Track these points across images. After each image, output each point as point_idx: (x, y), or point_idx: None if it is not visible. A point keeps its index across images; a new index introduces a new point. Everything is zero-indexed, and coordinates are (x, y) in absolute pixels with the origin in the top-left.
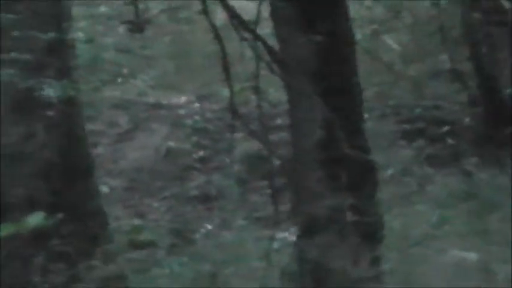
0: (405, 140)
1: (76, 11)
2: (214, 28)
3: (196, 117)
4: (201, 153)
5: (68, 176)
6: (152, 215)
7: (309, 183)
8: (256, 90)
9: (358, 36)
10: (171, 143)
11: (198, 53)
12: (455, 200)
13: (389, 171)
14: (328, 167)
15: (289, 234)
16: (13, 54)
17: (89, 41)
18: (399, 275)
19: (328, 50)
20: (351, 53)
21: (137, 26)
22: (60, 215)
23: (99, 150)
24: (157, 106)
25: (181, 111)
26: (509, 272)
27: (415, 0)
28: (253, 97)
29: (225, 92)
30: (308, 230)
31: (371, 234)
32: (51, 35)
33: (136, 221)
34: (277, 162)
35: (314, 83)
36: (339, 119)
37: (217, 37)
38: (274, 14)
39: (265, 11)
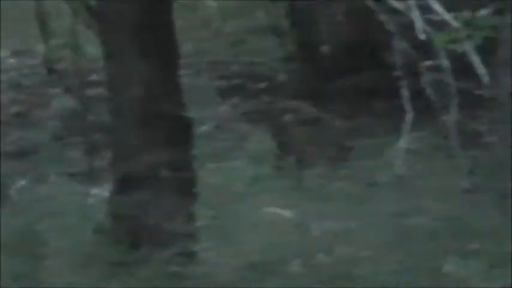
0: (222, 97)
1: None
2: None
3: (12, 73)
4: (17, 108)
5: None
6: None
7: (126, 139)
8: (73, 46)
9: None
10: None
11: (16, 8)
12: (271, 156)
13: (205, 127)
14: (145, 123)
15: (104, 190)
16: None
17: None
18: (215, 231)
19: (145, 6)
20: (168, 9)
21: None
22: None
23: None
24: None
25: None
26: (324, 228)
27: None
28: (69, 53)
29: (42, 48)
30: (124, 186)
31: (187, 190)
32: None
33: None
34: (93, 117)
35: (132, 39)
36: (156, 75)
37: None
38: None
39: None
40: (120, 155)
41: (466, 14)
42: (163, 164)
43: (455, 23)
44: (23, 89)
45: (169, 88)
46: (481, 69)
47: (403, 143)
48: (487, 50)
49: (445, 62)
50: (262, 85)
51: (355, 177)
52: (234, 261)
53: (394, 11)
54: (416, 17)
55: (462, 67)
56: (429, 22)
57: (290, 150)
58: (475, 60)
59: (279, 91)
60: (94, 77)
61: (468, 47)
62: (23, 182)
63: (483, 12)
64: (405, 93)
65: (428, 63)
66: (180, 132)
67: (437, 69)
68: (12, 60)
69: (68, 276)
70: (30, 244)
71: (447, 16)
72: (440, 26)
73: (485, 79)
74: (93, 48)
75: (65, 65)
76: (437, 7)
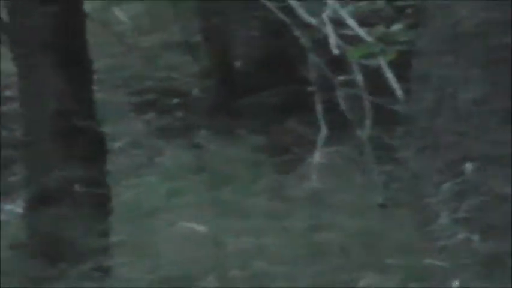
0: (136, 112)
1: None
2: None
3: None
4: None
5: None
6: None
7: (39, 154)
8: None
9: (89, 8)
10: None
11: None
12: (186, 172)
13: (119, 143)
14: (60, 139)
15: (17, 206)
16: None
17: None
18: (130, 246)
19: (59, 22)
20: (82, 25)
21: None
22: None
23: None
24: None
25: None
26: (240, 243)
27: None
28: None
29: None
30: (39, 202)
31: (101, 205)
32: None
33: None
34: (6, 133)
35: (45, 55)
36: (69, 90)
37: None
38: None
39: None
40: (34, 171)
41: (380, 29)
42: (77, 180)
43: (369, 38)
44: None
45: (83, 103)
46: (395, 84)
47: (317, 158)
48: (401, 64)
49: (359, 77)
50: (176, 100)
51: (270, 192)
52: (149, 276)
53: (308, 26)
54: (330, 32)
55: (376, 82)
56: (343, 37)
57: (205, 165)
58: (389, 75)
59: (193, 106)
60: (7, 93)
61: (382, 62)
62: None
63: (396, 26)
64: (319, 108)
65: (342, 78)
66: (94, 148)
67: (351, 84)
68: None
69: None
70: None
71: (361, 31)
72: (354, 41)
73: (400, 94)
74: (6, 64)
75: None
76: (351, 22)
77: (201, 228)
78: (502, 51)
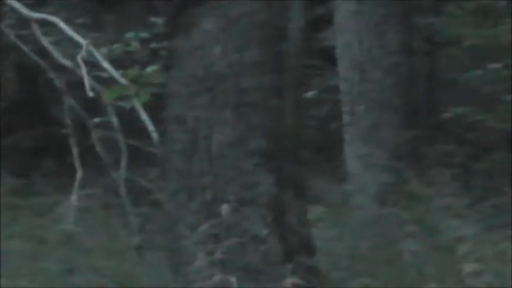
0: None
1: None
2: None
3: None
4: None
5: None
6: None
7: None
8: None
9: None
10: None
11: None
12: None
13: None
14: None
15: None
16: None
17: None
18: None
19: None
20: None
21: None
22: None
23: None
24: None
25: None
26: None
27: None
28: None
29: None
30: None
31: None
32: None
33: None
34: None
35: None
36: None
37: None
38: None
39: None
40: None
41: (134, 71)
42: None
43: (123, 80)
44: None
45: None
46: (150, 126)
47: (73, 200)
48: (156, 106)
49: (114, 119)
50: None
51: (26, 235)
52: None
53: (63, 68)
54: (84, 74)
55: (131, 124)
56: (98, 79)
57: None
58: (144, 116)
59: None
60: None
61: (136, 104)
62: None
63: (150, 68)
64: (75, 150)
65: (97, 120)
66: None
67: (106, 126)
68: None
69: None
70: None
71: (115, 73)
72: (109, 83)
73: (155, 136)
74: None
75: None
76: (106, 64)
77: None
78: (254, 92)
